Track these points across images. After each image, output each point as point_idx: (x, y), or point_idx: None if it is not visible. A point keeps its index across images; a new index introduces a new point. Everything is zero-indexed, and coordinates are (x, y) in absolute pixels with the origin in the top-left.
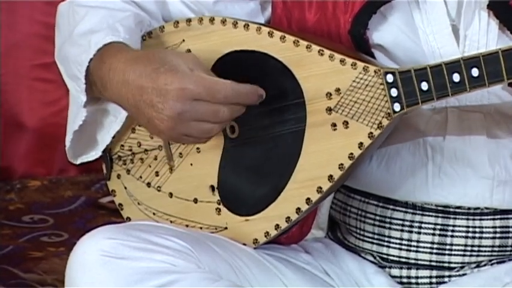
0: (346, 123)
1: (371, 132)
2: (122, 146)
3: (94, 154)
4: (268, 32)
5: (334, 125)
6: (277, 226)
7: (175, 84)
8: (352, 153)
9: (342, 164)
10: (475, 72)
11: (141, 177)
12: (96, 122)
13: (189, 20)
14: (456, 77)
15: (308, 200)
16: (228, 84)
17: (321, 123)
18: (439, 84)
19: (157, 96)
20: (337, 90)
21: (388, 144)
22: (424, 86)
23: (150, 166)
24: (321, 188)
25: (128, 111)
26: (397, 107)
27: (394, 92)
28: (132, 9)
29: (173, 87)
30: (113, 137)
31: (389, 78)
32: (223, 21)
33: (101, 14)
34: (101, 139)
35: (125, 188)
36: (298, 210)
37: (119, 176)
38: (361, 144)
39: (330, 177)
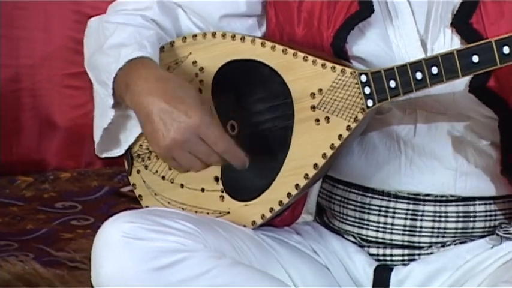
0: (327, 119)
1: (349, 125)
2: (141, 145)
3: (117, 152)
4: (261, 43)
5: (317, 120)
6: (271, 209)
7: (195, 119)
8: (333, 144)
9: (324, 154)
10: (434, 70)
11: (157, 171)
12: (119, 125)
13: (194, 36)
14: (419, 75)
15: (297, 186)
16: (230, 143)
17: (306, 119)
18: (405, 82)
19: (173, 120)
20: (320, 90)
21: (367, 141)
22: (392, 83)
23: (164, 162)
24: (307, 174)
25: (138, 115)
26: (370, 102)
27: (367, 90)
28: (155, 28)
29: (192, 121)
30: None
31: (363, 78)
32: (224, 35)
33: (129, 30)
34: (124, 139)
35: (144, 181)
36: (288, 194)
37: (138, 172)
38: (340, 136)
39: (315, 165)
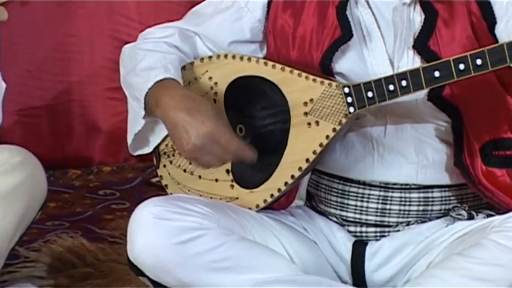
0: (317, 122)
1: (334, 128)
2: (166, 145)
3: (147, 150)
4: (263, 62)
5: (309, 124)
6: (271, 195)
7: (210, 127)
8: (321, 143)
9: (315, 150)
10: (404, 83)
11: (179, 166)
12: (148, 128)
13: (210, 57)
14: (391, 87)
15: (292, 176)
16: (239, 143)
17: (300, 123)
18: (380, 93)
19: (194, 129)
20: (311, 100)
21: (346, 141)
22: (370, 94)
23: (187, 160)
24: (301, 167)
25: (166, 125)
26: (351, 109)
27: (349, 100)
28: (176, 52)
29: (207, 129)
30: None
31: (346, 90)
32: (233, 57)
33: (155, 56)
34: (152, 140)
35: (169, 173)
36: (285, 183)
37: (164, 166)
38: (327, 136)
39: (307, 159)
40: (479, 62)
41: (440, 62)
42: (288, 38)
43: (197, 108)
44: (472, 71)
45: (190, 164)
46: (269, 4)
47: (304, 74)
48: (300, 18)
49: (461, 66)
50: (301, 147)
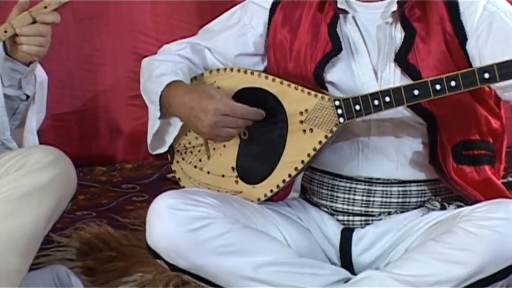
0: (311, 130)
1: (326, 135)
2: (179, 143)
3: (163, 148)
4: (265, 76)
5: (304, 131)
6: (271, 190)
7: (212, 105)
8: (315, 147)
9: (309, 154)
10: (387, 99)
11: (191, 162)
12: (164, 130)
13: (218, 69)
14: (376, 102)
15: (289, 175)
16: (243, 106)
17: (296, 130)
18: (366, 106)
19: (201, 112)
20: (306, 110)
21: (336, 142)
22: (357, 107)
23: (196, 155)
24: (296, 167)
25: (183, 120)
26: (341, 119)
27: (339, 111)
28: (186, 62)
29: (211, 107)
30: (174, 139)
31: (337, 103)
32: (238, 70)
33: (167, 65)
34: (167, 140)
35: (182, 169)
36: (283, 180)
37: (178, 162)
38: (320, 142)
39: (302, 161)
40: (453, 83)
41: (419, 82)
42: (286, 51)
43: (200, 95)
44: (447, 91)
45: (201, 161)
46: (270, 21)
47: (300, 88)
48: (296, 34)
49: (438, 87)
50: (297, 150)
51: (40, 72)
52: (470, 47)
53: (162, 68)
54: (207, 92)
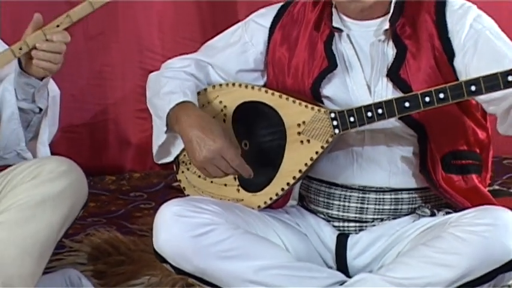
0: (308, 141)
1: (322, 146)
2: (184, 155)
3: (169, 158)
4: (265, 90)
5: (301, 141)
6: (270, 198)
7: (219, 145)
8: (312, 157)
9: (306, 163)
10: (380, 111)
11: (195, 172)
12: (170, 142)
13: (220, 84)
14: (369, 114)
15: (287, 184)
16: (241, 160)
17: (294, 141)
18: (360, 118)
19: (205, 144)
20: (303, 122)
21: (332, 152)
22: (352, 119)
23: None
24: (295, 176)
25: (183, 139)
26: (336, 131)
27: (335, 123)
28: (193, 79)
29: (217, 145)
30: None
31: (332, 115)
32: (240, 85)
33: (175, 83)
34: (173, 151)
35: (186, 178)
36: (282, 189)
37: (183, 172)
38: (316, 152)
39: (300, 170)
40: (442, 95)
41: (410, 94)
42: (284, 67)
43: (209, 127)
44: (436, 103)
45: None
46: (269, 40)
47: (297, 101)
48: (294, 52)
49: (427, 99)
50: (295, 160)
51: (53, 87)
52: (458, 62)
53: (171, 85)
54: (217, 129)
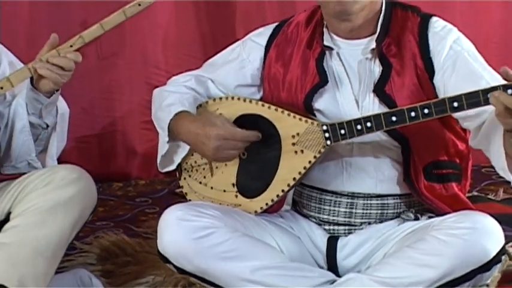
0: (302, 151)
1: (315, 156)
2: (186, 162)
3: (172, 167)
4: (261, 104)
5: (295, 152)
6: (266, 204)
7: (214, 132)
8: (305, 166)
9: (300, 172)
10: (369, 124)
11: (196, 179)
12: (173, 151)
13: (220, 98)
14: (359, 127)
15: (282, 190)
16: (241, 130)
17: (289, 151)
18: (350, 131)
19: (205, 138)
20: (297, 133)
21: (323, 161)
22: (342, 131)
23: (201, 173)
24: (289, 184)
25: (189, 144)
26: (328, 142)
27: (327, 135)
28: (192, 93)
29: (213, 133)
30: (182, 158)
31: (324, 127)
32: (238, 98)
33: (175, 96)
34: (175, 159)
35: (188, 184)
36: (277, 195)
37: (185, 179)
38: (309, 162)
39: (294, 178)
40: (426, 111)
41: (397, 109)
42: (279, 82)
43: (203, 123)
44: (421, 118)
45: (205, 177)
46: (265, 57)
47: (292, 114)
48: (288, 68)
49: (413, 114)
50: (289, 169)
51: (62, 105)
52: (437, 80)
53: (171, 98)
54: (209, 120)
